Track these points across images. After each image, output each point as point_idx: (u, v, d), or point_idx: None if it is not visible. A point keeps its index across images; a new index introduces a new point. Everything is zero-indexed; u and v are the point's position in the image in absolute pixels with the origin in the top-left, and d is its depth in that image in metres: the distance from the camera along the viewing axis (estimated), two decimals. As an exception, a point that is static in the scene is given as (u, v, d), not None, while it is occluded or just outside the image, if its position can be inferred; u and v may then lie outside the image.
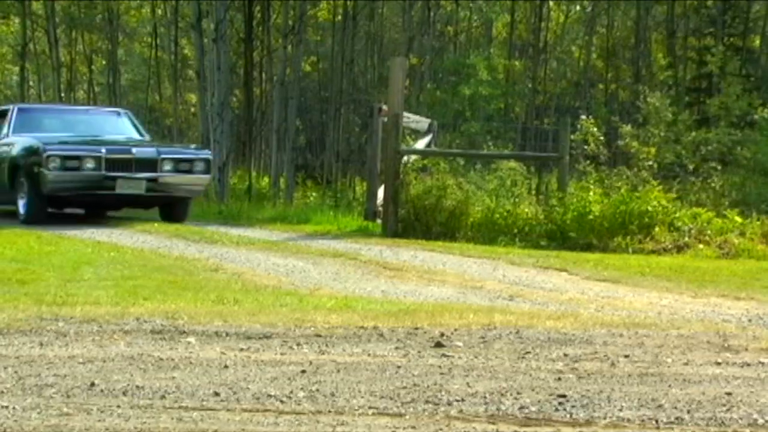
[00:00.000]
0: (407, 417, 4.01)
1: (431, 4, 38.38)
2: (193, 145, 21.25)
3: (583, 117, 20.16)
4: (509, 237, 14.51)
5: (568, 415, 4.02)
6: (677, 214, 14.95)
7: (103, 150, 15.90)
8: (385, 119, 17.01)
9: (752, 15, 34.48)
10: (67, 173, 15.62)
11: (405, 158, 16.37)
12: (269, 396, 4.38)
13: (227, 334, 5.90)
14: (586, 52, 38.21)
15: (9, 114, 17.62)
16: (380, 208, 16.80)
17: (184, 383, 4.62)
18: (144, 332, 5.97)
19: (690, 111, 26.17)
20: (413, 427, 3.84)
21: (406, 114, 18.10)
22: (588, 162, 18.03)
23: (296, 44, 36.75)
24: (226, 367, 4.97)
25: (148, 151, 16.35)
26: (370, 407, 4.17)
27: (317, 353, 5.38)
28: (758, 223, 15.17)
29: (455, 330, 6.14)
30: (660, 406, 4.16)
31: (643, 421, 3.93)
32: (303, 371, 4.87)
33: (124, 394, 4.48)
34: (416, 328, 6.17)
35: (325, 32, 40.98)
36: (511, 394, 4.35)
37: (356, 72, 38.46)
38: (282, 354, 5.35)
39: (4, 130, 17.20)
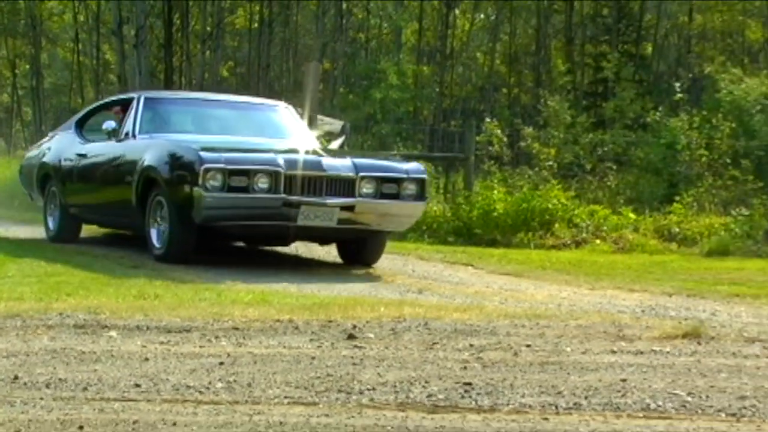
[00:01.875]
0: (321, 406, 4.00)
1: (344, 11, 38.46)
2: (394, 156, 12.91)
3: (488, 119, 20.26)
4: (418, 234, 14.55)
5: (474, 402, 4.04)
6: (576, 212, 15.13)
7: (281, 162, 10.19)
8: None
9: (644, 24, 34.97)
10: (231, 196, 10.06)
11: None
12: (188, 387, 4.35)
13: (148, 328, 5.85)
14: (490, 57, 38.40)
15: (133, 105, 11.86)
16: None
17: (106, 375, 4.57)
18: (67, 327, 5.90)
19: (587, 114, 26.36)
20: (326, 416, 3.83)
21: (320, 116, 18.11)
22: (492, 162, 18.12)
23: (214, 50, 36.71)
24: (146, 359, 4.93)
25: (343, 166, 10.46)
26: (285, 397, 4.16)
27: (235, 346, 5.36)
28: (650, 219, 15.41)
29: (367, 322, 6.14)
30: (559, 392, 4.18)
31: (543, 407, 3.95)
32: (221, 363, 4.84)
33: (47, 386, 4.42)
34: (330, 321, 6.16)
35: (242, 38, 40.87)
36: (419, 383, 4.36)
37: (272, 76, 38.33)
38: (201, 347, 5.32)
39: (127, 127, 11.64)
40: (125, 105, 12.29)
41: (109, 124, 11.61)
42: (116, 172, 11.56)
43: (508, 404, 3.99)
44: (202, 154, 10.13)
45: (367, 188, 10.43)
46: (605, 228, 14.77)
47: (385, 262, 10.90)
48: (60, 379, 4.52)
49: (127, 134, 11.58)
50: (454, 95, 37.10)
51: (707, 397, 4.09)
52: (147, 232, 10.72)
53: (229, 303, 7.06)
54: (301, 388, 4.29)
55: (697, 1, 37.31)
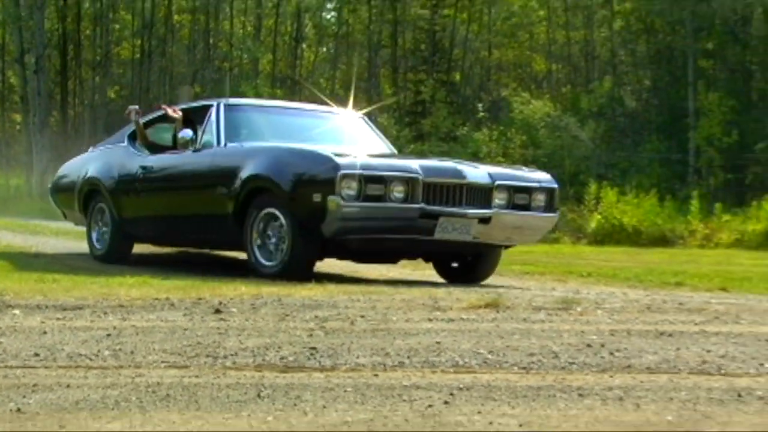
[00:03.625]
0: (192, 368, 3.94)
1: (211, 45, 38.36)
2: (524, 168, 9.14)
3: (329, 134, 20.30)
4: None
5: (318, 363, 4.02)
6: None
7: (418, 168, 7.70)
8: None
9: (454, 56, 35.59)
10: (369, 205, 7.49)
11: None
12: (80, 355, 4.23)
13: (47, 307, 5.69)
14: (332, 83, 38.60)
15: (211, 113, 8.97)
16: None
17: (10, 347, 4.42)
18: (-23, 307, 5.70)
19: (409, 129, 26.64)
20: (197, 376, 3.77)
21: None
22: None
23: (103, 75, 36.18)
24: (45, 333, 4.78)
25: (479, 175, 7.95)
26: (162, 362, 4.08)
27: (120, 320, 5.24)
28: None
29: (231, 299, 6.08)
30: (387, 353, 4.20)
31: (374, 365, 3.96)
32: (108, 335, 4.73)
33: (-41, 357, 4.26)
34: (200, 299, 6.09)
35: (127, 66, 40.40)
36: (273, 348, 4.33)
37: (152, 98, 37.94)
38: (92, 321, 5.19)
39: (207, 137, 8.85)
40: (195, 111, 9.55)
41: (186, 133, 8.97)
42: (203, 183, 8.77)
43: (345, 364, 3.99)
44: (338, 159, 7.51)
45: (500, 199, 7.96)
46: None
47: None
48: (-30, 351, 4.36)
49: (205, 144, 8.86)
50: (302, 113, 37.19)
51: (504, 354, 4.15)
52: (249, 248, 8.08)
53: (116, 285, 6.91)
54: (176, 354, 4.22)
55: (494, 39, 38.18)
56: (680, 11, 32.54)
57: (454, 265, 8.69)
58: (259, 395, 3.39)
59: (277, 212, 7.87)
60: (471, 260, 8.55)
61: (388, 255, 8.60)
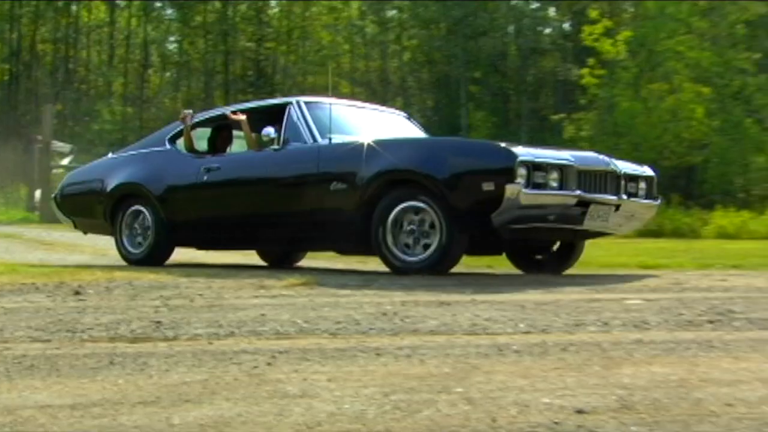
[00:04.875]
0: (53, 342, 3.77)
1: (70, 70, 37.22)
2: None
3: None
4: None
5: (162, 335, 3.92)
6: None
7: (570, 156, 6.23)
8: (40, 145, 16.11)
9: (276, 81, 35.56)
10: (540, 192, 5.99)
11: (54, 170, 15.55)
12: (-46, 334, 3.99)
13: (-77, 293, 5.33)
14: (174, 102, 38.12)
15: (291, 110, 7.20)
16: (37, 204, 15.90)
17: None
18: None
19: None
20: (57, 348, 3.61)
21: (54, 141, 17.22)
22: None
23: (-25, 94, 34.41)
24: None
25: (613, 162, 6.57)
26: (27, 337, 3.89)
27: (-10, 303, 4.96)
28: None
29: (88, 283, 5.86)
30: (220, 325, 4.13)
31: (209, 335, 3.89)
32: (-20, 316, 4.47)
33: None
34: (62, 283, 5.84)
35: (-4, 87, 38.75)
36: (125, 323, 4.19)
37: (19, 115, 36.46)
38: (-36, 305, 4.90)
39: (289, 134, 7.09)
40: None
41: (269, 131, 7.11)
42: (310, 180, 6.87)
43: (185, 335, 3.91)
44: (511, 147, 6.00)
45: (621, 188, 6.54)
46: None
47: (102, 241, 10.42)
48: None
49: (307, 138, 7.00)
50: (151, 127, 36.37)
51: (316, 323, 4.16)
52: (381, 243, 6.41)
53: (-13, 273, 6.56)
54: (39, 330, 4.02)
55: (308, 67, 38.37)
56: (454, 47, 33.62)
57: (539, 256, 7.26)
58: (111, 362, 3.28)
59: (421, 205, 6.27)
60: (558, 251, 7.18)
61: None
